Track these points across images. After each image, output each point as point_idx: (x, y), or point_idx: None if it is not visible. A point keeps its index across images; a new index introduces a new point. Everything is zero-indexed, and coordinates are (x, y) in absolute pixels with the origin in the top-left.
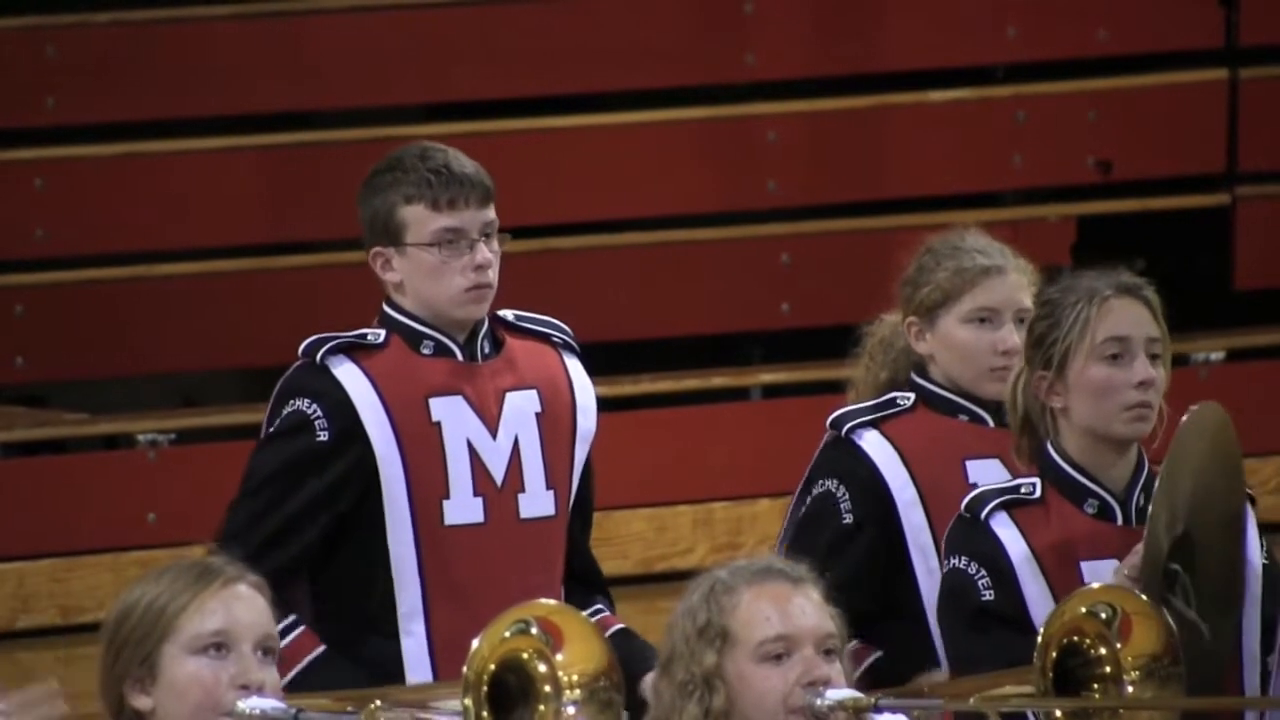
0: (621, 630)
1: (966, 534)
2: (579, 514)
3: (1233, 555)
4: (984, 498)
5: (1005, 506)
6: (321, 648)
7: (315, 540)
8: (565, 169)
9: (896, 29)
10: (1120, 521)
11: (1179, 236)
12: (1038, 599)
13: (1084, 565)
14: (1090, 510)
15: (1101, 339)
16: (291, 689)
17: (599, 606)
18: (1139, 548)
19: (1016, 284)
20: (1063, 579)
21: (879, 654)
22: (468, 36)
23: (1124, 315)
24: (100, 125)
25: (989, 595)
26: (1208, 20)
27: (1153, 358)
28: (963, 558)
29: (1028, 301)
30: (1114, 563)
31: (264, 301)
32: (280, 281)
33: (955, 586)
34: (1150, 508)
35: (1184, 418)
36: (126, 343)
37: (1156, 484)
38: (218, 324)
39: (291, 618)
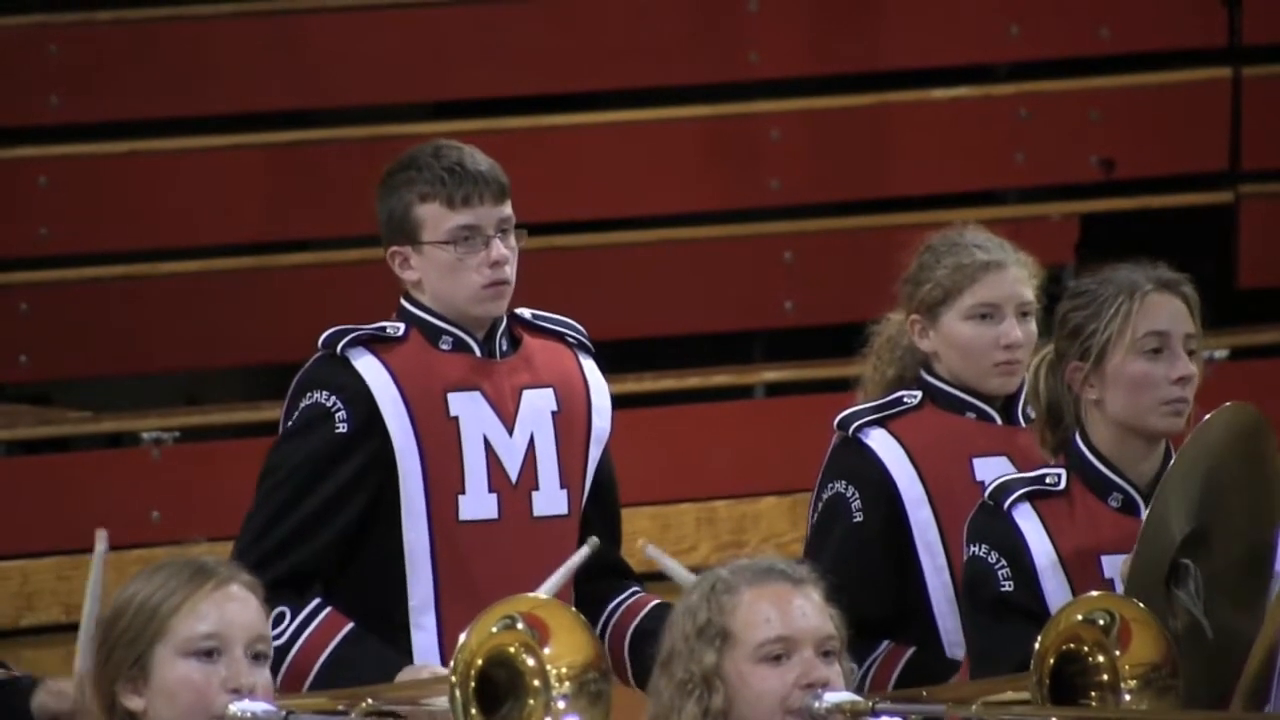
0: (661, 604)
1: (988, 522)
2: (606, 525)
3: (1259, 551)
4: (1008, 487)
5: (1029, 497)
6: (350, 625)
7: (338, 538)
8: (568, 167)
9: (899, 27)
10: (1144, 515)
11: (1182, 235)
12: (1056, 592)
13: (1105, 559)
14: (1114, 504)
15: (1142, 333)
16: (325, 669)
17: (635, 589)
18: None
19: (1017, 278)
20: (1084, 572)
21: (914, 649)
22: (470, 34)
23: (1164, 310)
24: (103, 124)
25: (1008, 586)
26: (1211, 19)
27: (1189, 354)
28: (983, 546)
29: (1029, 295)
30: None
31: (268, 300)
32: (284, 280)
33: (975, 575)
34: (1153, 500)
35: (1207, 415)
36: (130, 341)
37: (1164, 476)
38: (221, 322)
39: (315, 600)
